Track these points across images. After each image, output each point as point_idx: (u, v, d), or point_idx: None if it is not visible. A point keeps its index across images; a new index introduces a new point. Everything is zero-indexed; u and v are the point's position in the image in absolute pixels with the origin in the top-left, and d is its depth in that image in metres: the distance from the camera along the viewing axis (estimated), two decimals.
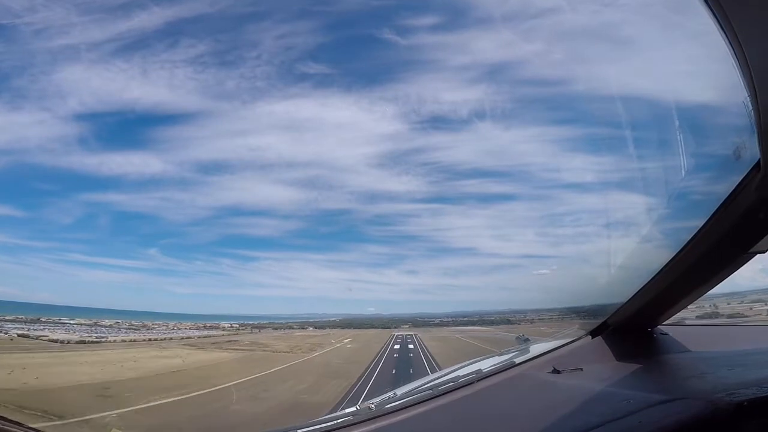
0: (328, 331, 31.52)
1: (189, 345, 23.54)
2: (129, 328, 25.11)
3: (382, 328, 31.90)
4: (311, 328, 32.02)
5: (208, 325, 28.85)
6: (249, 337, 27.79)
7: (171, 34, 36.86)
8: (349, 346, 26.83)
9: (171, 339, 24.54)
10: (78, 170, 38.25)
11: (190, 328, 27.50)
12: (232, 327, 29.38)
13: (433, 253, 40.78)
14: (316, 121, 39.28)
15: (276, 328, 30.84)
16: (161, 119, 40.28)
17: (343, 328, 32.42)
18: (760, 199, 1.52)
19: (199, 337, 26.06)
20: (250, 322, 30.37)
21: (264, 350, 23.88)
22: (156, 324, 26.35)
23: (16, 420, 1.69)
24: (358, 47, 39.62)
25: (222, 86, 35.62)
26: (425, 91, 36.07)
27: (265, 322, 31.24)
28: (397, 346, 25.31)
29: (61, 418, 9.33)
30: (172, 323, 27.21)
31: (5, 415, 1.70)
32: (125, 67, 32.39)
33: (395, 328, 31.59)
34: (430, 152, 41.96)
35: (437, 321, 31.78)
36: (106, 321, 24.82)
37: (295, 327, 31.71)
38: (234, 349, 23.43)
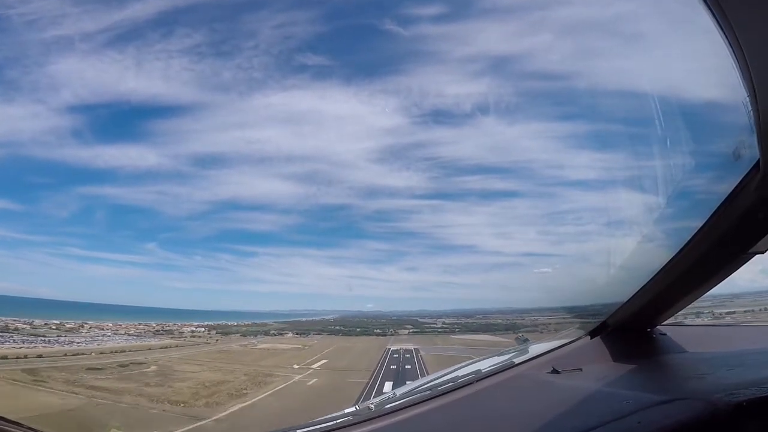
0: (309, 339, 24.37)
1: (29, 372, 15.10)
2: (31, 335, 18.88)
3: (377, 334, 25.12)
4: (291, 334, 24.95)
5: (168, 326, 22.73)
6: (184, 352, 20.33)
7: (165, 23, 36.23)
8: (311, 382, 16.75)
9: (40, 357, 16.61)
10: (73, 163, 37.64)
11: (130, 334, 21.47)
12: (196, 331, 23.12)
13: (433, 250, 40.50)
14: (315, 114, 38.77)
15: (244, 335, 24.27)
16: (156, 111, 39.75)
17: (331, 333, 25.89)
18: (759, 199, 1.52)
19: (100, 353, 18.45)
20: (221, 322, 24.95)
21: (138, 393, 14.80)
22: (96, 326, 20.88)
23: (15, 420, 1.68)
24: (358, 38, 39.11)
25: (218, 77, 35.21)
26: (427, 84, 35.66)
27: (246, 322, 25.64)
28: (388, 385, 15.29)
29: None
30: (124, 324, 21.85)
31: (4, 415, 1.69)
32: (119, 57, 31.94)
33: (392, 334, 24.92)
34: (431, 147, 41.54)
35: (440, 325, 26.50)
36: (37, 322, 19.74)
37: (273, 332, 25.01)
38: (78, 387, 14.59)
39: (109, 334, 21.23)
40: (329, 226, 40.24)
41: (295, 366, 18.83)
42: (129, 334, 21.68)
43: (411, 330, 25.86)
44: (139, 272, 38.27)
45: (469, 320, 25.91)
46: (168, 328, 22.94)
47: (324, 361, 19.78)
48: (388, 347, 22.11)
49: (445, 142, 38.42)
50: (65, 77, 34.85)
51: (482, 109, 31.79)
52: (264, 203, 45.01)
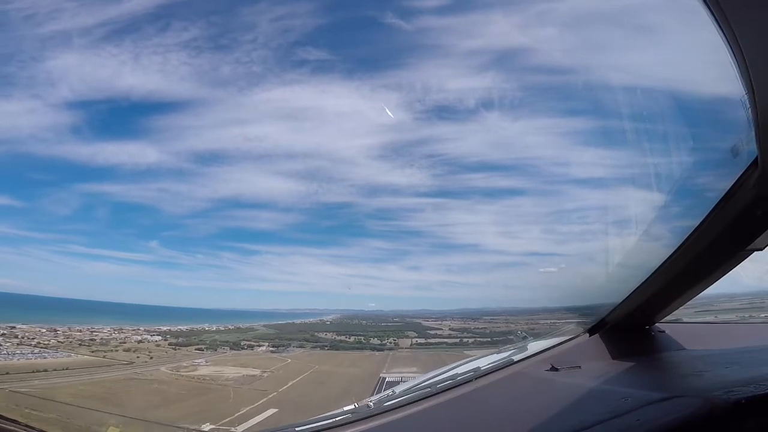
0: (282, 358, 18.62)
1: None
2: None
3: (373, 347, 20.43)
4: (265, 347, 19.53)
5: (120, 331, 17.82)
6: (64, 380, 13.93)
7: (162, 16, 35.79)
8: None
9: None
10: (73, 160, 37.45)
11: (43, 345, 16.11)
12: (143, 340, 17.74)
13: (436, 249, 40.03)
14: (316, 110, 38.12)
15: (205, 347, 18.70)
16: (155, 107, 39.53)
17: (317, 344, 20.62)
18: (757, 196, 1.53)
19: None
20: (196, 326, 20.23)
21: None
22: (16, 333, 15.98)
23: (13, 418, 1.68)
24: (359, 31, 38.70)
25: (217, 72, 34.70)
26: (430, 78, 35.06)
27: (229, 326, 21.49)
28: None
29: None
30: (61, 328, 16.89)
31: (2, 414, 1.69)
32: (116, 52, 31.65)
33: (392, 347, 20.29)
34: (434, 144, 41.09)
35: (446, 331, 22.51)
36: None
37: (244, 344, 19.90)
38: None
39: (9, 345, 15.95)
40: (331, 224, 40.05)
41: (206, 428, 10.07)
42: (41, 345, 16.29)
43: (414, 340, 21.82)
44: (142, 270, 38.12)
45: (478, 324, 22.65)
46: (113, 335, 17.81)
47: (272, 413, 11.67)
48: (382, 375, 15.73)
49: (449, 138, 37.91)
50: (62, 72, 34.45)
51: (486, 105, 31.44)
52: (265, 201, 44.63)
